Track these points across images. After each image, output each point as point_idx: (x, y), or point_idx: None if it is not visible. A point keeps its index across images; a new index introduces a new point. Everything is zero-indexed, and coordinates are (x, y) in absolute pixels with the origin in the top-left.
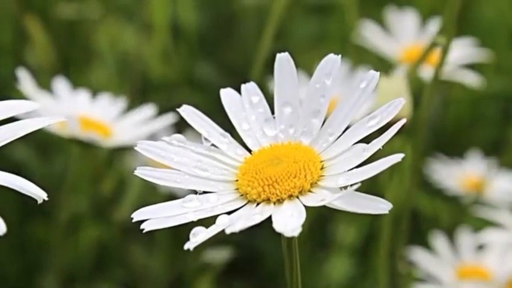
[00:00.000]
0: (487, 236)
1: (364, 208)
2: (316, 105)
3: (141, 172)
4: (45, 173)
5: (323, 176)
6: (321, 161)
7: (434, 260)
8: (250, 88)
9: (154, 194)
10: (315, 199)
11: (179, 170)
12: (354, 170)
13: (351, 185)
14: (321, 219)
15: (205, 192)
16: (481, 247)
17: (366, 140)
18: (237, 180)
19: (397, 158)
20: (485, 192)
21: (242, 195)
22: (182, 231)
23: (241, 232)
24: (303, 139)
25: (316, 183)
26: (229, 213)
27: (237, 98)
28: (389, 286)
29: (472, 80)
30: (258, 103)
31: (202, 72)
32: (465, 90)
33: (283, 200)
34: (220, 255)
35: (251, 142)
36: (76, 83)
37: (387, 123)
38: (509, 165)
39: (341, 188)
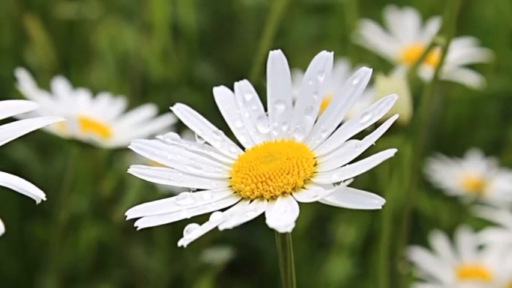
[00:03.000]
0: (487, 236)
1: (357, 203)
2: (310, 102)
3: (135, 170)
4: (45, 173)
5: (316, 172)
6: (314, 158)
7: (434, 260)
8: (243, 86)
9: (154, 194)
10: (308, 195)
11: (173, 168)
12: (347, 166)
13: (344, 181)
14: (320, 219)
15: (198, 190)
16: (481, 247)
17: (359, 136)
18: (230, 178)
19: (390, 153)
20: (485, 192)
21: (236, 192)
22: (181, 231)
23: (241, 232)
24: (296, 136)
25: (309, 179)
26: (222, 210)
27: (230, 96)
28: (389, 286)
29: (471, 80)
30: (251, 101)
31: (201, 72)
32: (465, 90)
33: (276, 196)
34: (220, 255)
35: (244, 140)
36: (76, 83)
37: (381, 120)
38: (509, 165)
39: (334, 184)
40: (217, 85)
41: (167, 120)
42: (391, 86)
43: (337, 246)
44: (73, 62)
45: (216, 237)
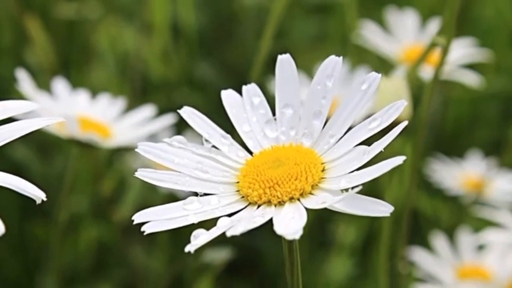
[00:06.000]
0: (487, 236)
1: (365, 211)
2: (318, 106)
3: (142, 174)
4: (45, 173)
5: (324, 178)
6: (322, 163)
7: (434, 260)
8: (251, 89)
9: (154, 194)
10: (316, 201)
11: (179, 172)
12: (356, 172)
13: (353, 188)
14: (320, 219)
15: (206, 194)
16: (481, 247)
17: (368, 141)
18: (238, 182)
19: (399, 160)
20: (485, 192)
21: (243, 197)
22: (182, 231)
23: (242, 233)
24: (304, 141)
25: (317, 185)
26: (230, 215)
27: (238, 100)
28: (389, 286)
29: (472, 80)
30: (259, 104)
31: (202, 72)
32: (465, 90)
33: (284, 202)
34: (220, 256)
35: (252, 144)
36: (76, 83)
37: (389, 125)
38: (509, 165)
39: (342, 191)
40: (218, 85)
41: (167, 120)
42: (391, 86)
43: (337, 246)
44: (73, 62)
45: (216, 238)
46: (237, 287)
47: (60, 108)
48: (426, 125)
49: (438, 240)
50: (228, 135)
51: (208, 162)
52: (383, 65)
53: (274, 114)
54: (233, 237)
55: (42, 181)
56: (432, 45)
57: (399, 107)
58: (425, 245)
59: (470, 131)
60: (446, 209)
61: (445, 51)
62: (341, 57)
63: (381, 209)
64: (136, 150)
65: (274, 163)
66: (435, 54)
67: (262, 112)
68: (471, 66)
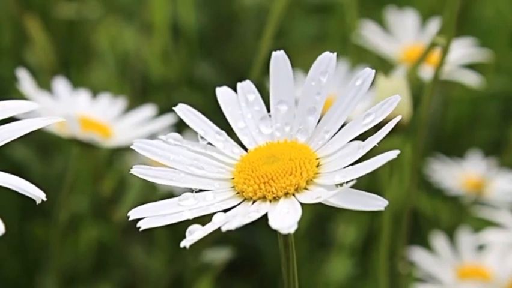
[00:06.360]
0: (487, 236)
1: (360, 205)
2: (312, 103)
3: (137, 171)
4: (45, 173)
5: (319, 173)
6: (317, 159)
7: (434, 260)
8: (245, 86)
9: (154, 194)
10: (311, 196)
11: (175, 169)
12: (350, 167)
13: (347, 182)
14: (320, 219)
15: (201, 191)
16: (481, 247)
17: (362, 137)
18: (233, 178)
19: (393, 154)
20: (485, 192)
21: (238, 193)
22: (181, 231)
23: (242, 232)
24: (299, 137)
25: (312, 180)
26: (225, 211)
27: (233, 96)
28: (389, 286)
29: (472, 80)
30: (253, 101)
31: (202, 72)
32: (465, 90)
33: (279, 197)
34: (220, 255)
35: (247, 140)
36: (76, 83)
37: (383, 121)
38: (509, 165)
39: (337, 185)
40: (218, 85)
41: (167, 120)
42: (391, 86)
43: (337, 246)
44: (73, 62)
45: (216, 237)
46: (237, 287)
47: (61, 108)
48: (426, 125)
49: (438, 240)
50: (223, 132)
51: (203, 159)
52: (383, 65)
53: (269, 110)
54: (232, 236)
55: (42, 181)
56: (432, 45)
57: (393, 102)
58: (425, 245)
59: (470, 131)
60: (446, 209)
61: (445, 51)
62: (335, 54)
63: (376, 203)
64: (132, 147)
65: (269, 159)
66: (435, 54)
67: (257, 109)
68: (471, 66)
